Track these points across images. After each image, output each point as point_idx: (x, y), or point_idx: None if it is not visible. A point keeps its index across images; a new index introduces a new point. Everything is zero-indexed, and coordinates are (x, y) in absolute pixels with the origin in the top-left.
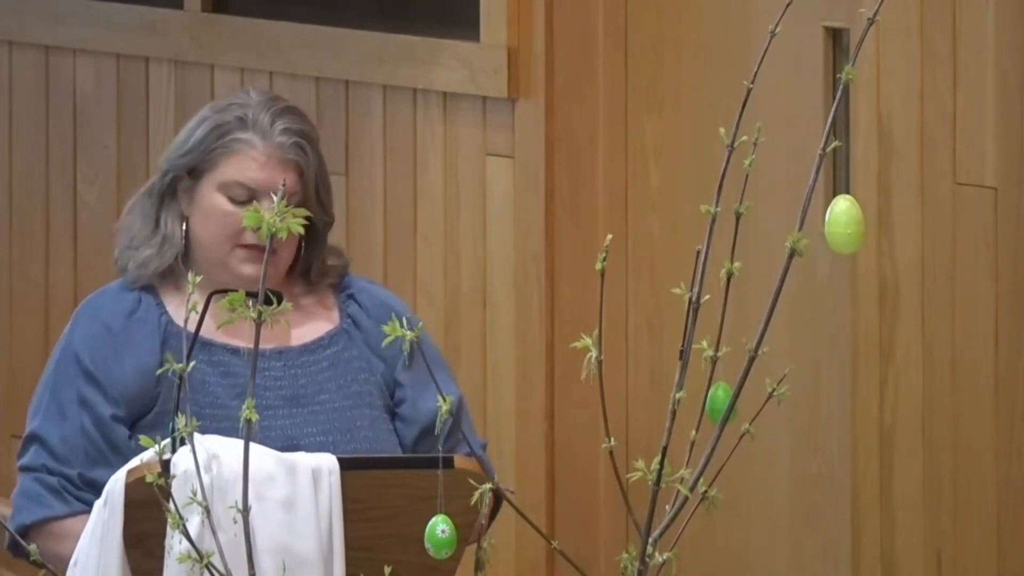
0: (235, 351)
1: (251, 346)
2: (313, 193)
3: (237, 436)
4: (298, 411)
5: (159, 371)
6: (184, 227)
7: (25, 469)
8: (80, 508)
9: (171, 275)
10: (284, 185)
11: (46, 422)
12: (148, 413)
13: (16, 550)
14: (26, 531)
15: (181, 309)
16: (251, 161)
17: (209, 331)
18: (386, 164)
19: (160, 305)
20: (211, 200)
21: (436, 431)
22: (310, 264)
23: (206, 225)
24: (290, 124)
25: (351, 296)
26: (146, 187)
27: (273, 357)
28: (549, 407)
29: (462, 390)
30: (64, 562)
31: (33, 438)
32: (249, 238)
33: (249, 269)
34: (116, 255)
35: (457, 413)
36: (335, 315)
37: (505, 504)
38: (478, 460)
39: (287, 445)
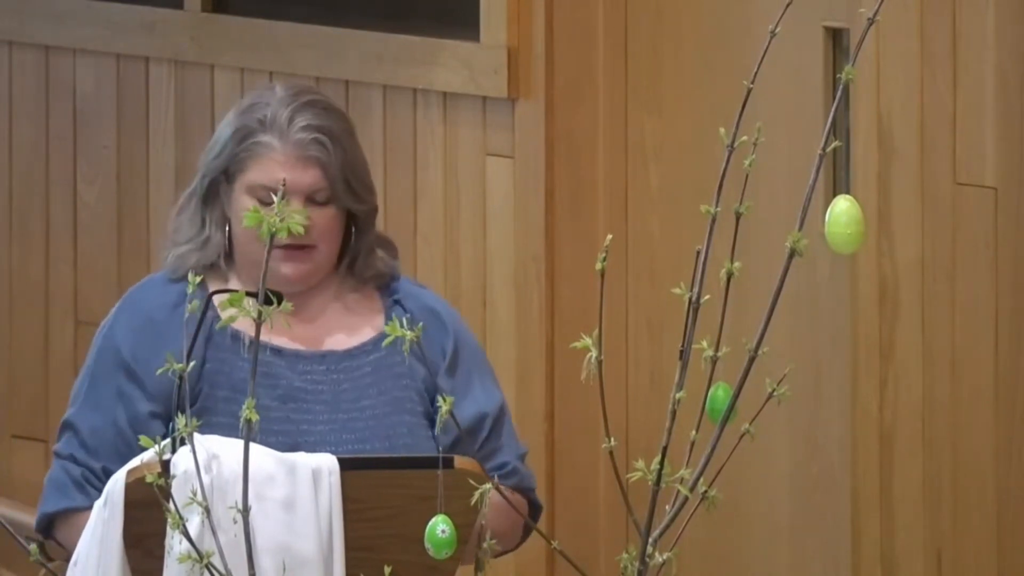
0: (277, 351)
1: (297, 347)
2: (342, 185)
3: (276, 439)
4: (338, 417)
5: (159, 371)
6: (228, 228)
7: (56, 455)
8: None
9: (218, 271)
10: (284, 185)
11: (82, 411)
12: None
13: (43, 534)
14: (51, 520)
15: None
16: (272, 163)
17: (251, 330)
18: (386, 164)
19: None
20: (241, 203)
21: (436, 430)
22: (357, 253)
23: (240, 227)
24: (310, 120)
25: (397, 301)
26: (190, 188)
27: (316, 360)
28: (549, 407)
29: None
30: None
31: (67, 425)
32: (282, 238)
33: (287, 269)
34: (163, 253)
35: (496, 421)
36: (380, 319)
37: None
38: (512, 471)
39: (324, 451)
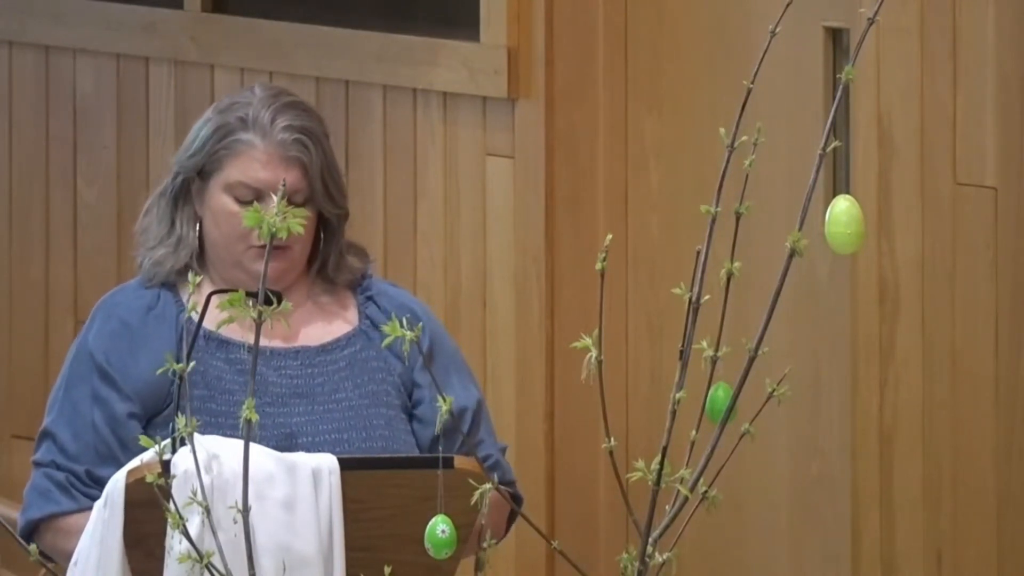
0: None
1: (271, 344)
2: (320, 187)
3: (257, 433)
4: (314, 408)
5: (159, 370)
6: (198, 227)
7: (36, 464)
8: (87, 504)
9: (189, 274)
10: (284, 185)
11: (59, 418)
12: (164, 409)
13: (28, 542)
14: (35, 526)
15: (201, 306)
16: (254, 161)
17: (228, 329)
18: (386, 164)
19: (179, 303)
20: (219, 201)
21: (436, 431)
22: (327, 258)
23: (217, 226)
24: (291, 121)
25: (370, 298)
26: (160, 188)
27: (290, 356)
28: (549, 407)
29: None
30: (71, 558)
31: (46, 434)
32: (260, 238)
33: (262, 267)
34: (136, 256)
35: (476, 415)
36: (354, 316)
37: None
38: (495, 464)
39: (300, 443)
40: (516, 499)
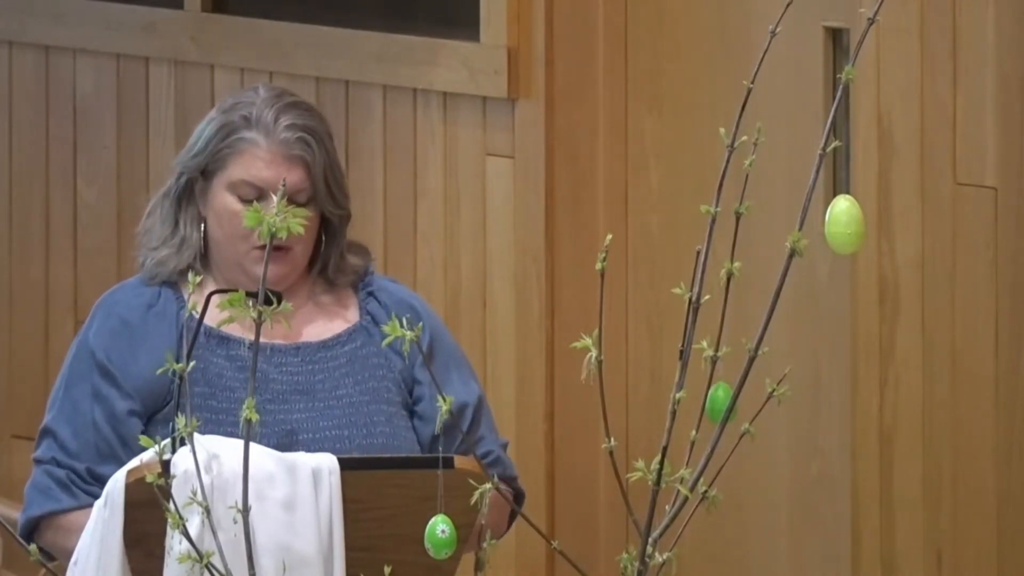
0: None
1: (271, 341)
2: (323, 187)
3: (258, 431)
4: (314, 405)
5: (159, 370)
6: (203, 228)
7: (36, 462)
8: (87, 502)
9: (190, 274)
10: (284, 185)
11: (59, 416)
12: (165, 407)
13: (26, 541)
14: (36, 524)
15: (201, 305)
16: (257, 160)
17: (228, 326)
18: (386, 164)
19: (179, 300)
20: (222, 200)
21: (436, 430)
22: (328, 259)
23: (220, 226)
24: (295, 120)
25: (371, 294)
26: (163, 189)
27: (291, 352)
28: (549, 407)
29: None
30: (72, 555)
31: (46, 431)
32: (260, 238)
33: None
34: (138, 256)
35: (477, 411)
36: (354, 312)
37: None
38: (496, 460)
39: (301, 439)
40: (518, 494)
